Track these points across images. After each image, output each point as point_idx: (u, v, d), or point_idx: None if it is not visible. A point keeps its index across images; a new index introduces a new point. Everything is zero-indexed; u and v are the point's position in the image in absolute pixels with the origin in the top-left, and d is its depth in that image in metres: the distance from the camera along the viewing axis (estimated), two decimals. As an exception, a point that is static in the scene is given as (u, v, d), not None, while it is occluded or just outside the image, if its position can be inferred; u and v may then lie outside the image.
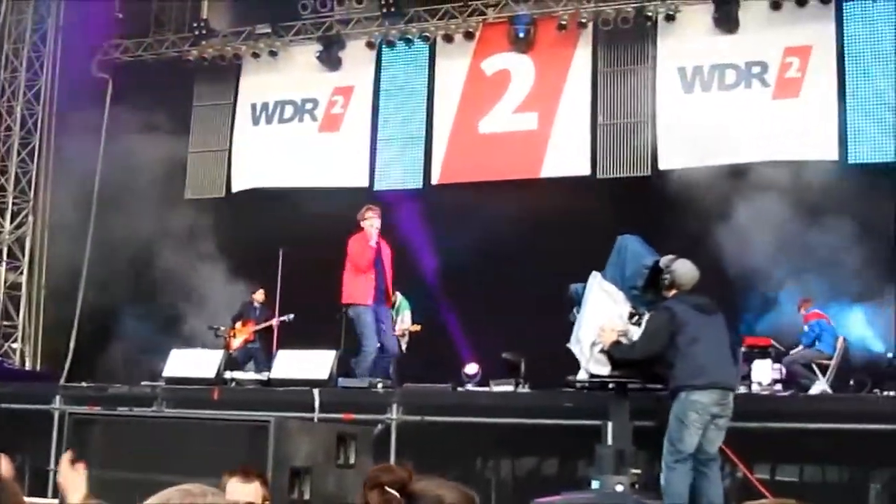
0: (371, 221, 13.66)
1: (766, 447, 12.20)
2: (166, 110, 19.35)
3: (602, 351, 10.11)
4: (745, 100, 16.81)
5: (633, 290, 10.05)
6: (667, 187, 16.24)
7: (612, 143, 17.30)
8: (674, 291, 9.73)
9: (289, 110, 19.66)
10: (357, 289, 13.61)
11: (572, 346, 10.41)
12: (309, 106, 19.48)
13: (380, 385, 13.06)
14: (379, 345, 13.45)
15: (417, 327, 16.30)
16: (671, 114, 17.09)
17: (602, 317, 10.11)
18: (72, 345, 19.19)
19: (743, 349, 13.63)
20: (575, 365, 10.57)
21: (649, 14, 17.23)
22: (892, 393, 12.72)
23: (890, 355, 14.13)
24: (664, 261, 9.85)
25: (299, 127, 19.52)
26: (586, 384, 10.71)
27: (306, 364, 13.40)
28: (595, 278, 10.46)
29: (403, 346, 15.94)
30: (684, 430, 9.26)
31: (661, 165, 16.86)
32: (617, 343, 9.95)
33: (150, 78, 19.80)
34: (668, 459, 9.49)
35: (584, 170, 17.28)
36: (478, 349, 14.59)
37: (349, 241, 13.83)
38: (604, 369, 10.28)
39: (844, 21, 16.40)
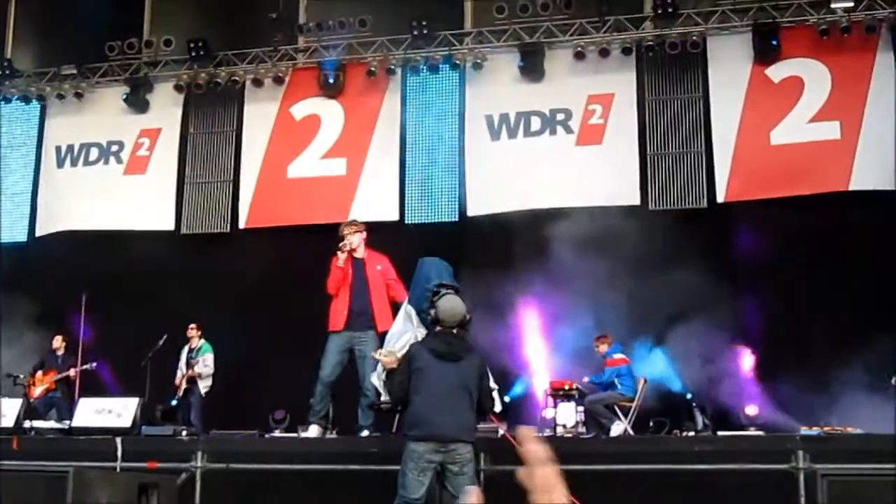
0: (348, 238, 12.32)
1: (571, 489, 12.41)
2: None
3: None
4: (551, 146, 17.16)
5: (421, 314, 9.97)
6: (475, 233, 16.49)
7: (419, 189, 17.46)
8: (438, 328, 9.59)
9: (94, 153, 19.30)
10: (331, 313, 12.35)
11: (373, 377, 10.37)
12: (115, 148, 19.16)
13: (184, 432, 12.89)
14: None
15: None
16: (478, 160, 17.35)
17: (401, 340, 10.07)
18: None
19: (549, 392, 13.89)
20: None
21: (457, 62, 17.51)
22: (690, 433, 13.10)
23: (688, 395, 14.52)
24: (437, 298, 9.71)
25: (105, 170, 19.17)
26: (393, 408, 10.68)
27: (109, 412, 13.16)
28: (405, 303, 10.48)
29: (202, 391, 15.78)
30: (405, 477, 9.12)
31: (469, 211, 17.09)
32: (391, 371, 9.84)
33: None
34: None
35: (392, 215, 17.36)
36: (286, 394, 14.48)
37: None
38: None
39: (644, 70, 16.96)
